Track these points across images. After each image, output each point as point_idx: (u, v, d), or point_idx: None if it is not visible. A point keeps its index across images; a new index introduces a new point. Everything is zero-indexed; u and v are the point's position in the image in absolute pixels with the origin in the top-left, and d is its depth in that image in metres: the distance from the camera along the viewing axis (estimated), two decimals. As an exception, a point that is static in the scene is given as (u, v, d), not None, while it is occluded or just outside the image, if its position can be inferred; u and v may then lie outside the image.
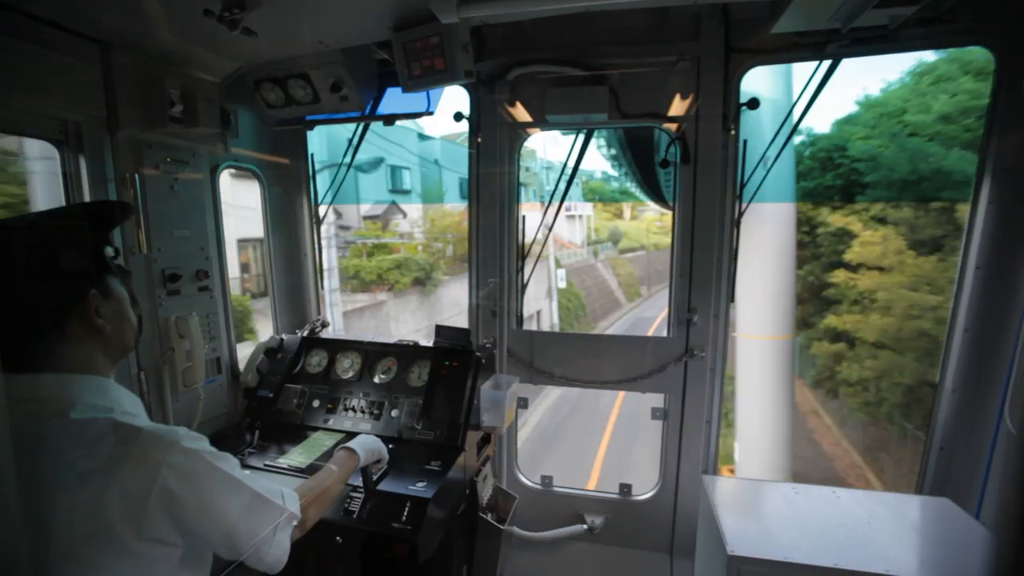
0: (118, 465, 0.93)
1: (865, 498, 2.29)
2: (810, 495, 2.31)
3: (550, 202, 2.76)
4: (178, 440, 0.99)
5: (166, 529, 0.96)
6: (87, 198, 1.88)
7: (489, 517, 2.47)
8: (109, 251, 1.12)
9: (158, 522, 0.94)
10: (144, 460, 0.95)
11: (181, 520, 0.98)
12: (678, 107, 2.50)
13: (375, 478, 1.92)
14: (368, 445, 1.83)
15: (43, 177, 1.96)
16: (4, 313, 0.96)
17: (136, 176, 2.02)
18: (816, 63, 2.27)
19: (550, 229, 2.85)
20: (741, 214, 2.48)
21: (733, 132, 2.45)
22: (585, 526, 2.86)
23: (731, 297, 2.58)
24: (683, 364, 2.64)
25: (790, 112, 2.45)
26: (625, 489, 2.86)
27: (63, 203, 1.88)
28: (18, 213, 1.22)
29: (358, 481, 1.91)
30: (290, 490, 1.27)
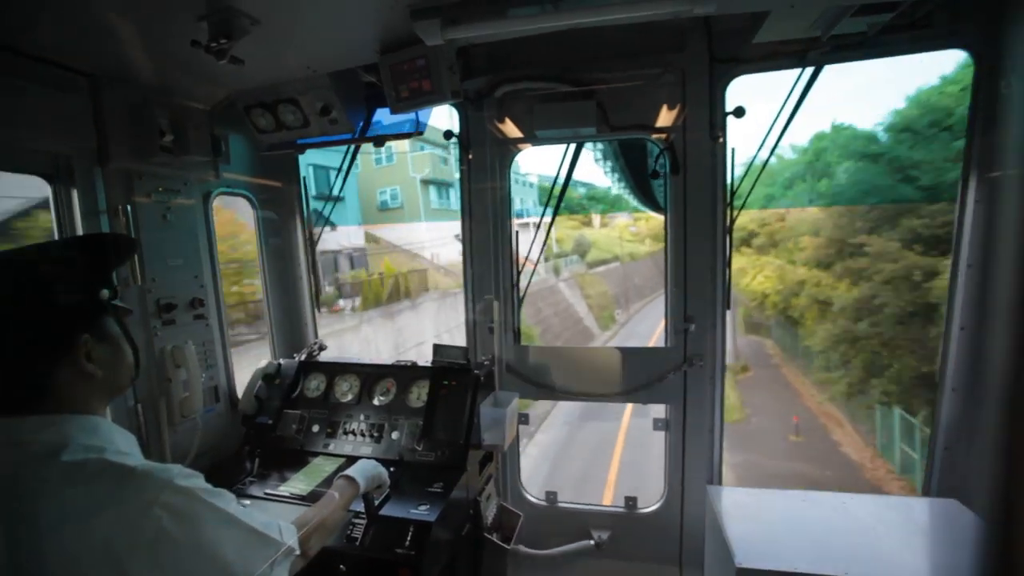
0: (110, 507, 0.91)
1: (872, 503, 2.27)
2: (816, 502, 2.30)
3: (543, 215, 2.77)
4: (171, 479, 0.97)
5: (158, 570, 0.93)
6: (79, 230, 1.88)
7: (494, 537, 2.43)
8: (105, 293, 1.09)
9: (149, 564, 0.92)
10: (137, 500, 0.93)
11: (175, 561, 0.96)
12: (666, 118, 2.52)
13: (376, 503, 1.89)
14: (368, 472, 1.80)
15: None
16: None
17: (128, 207, 2.01)
18: (799, 70, 2.31)
19: (544, 243, 2.85)
20: (733, 221, 2.49)
21: (721, 140, 2.47)
22: (592, 541, 2.82)
23: (727, 304, 2.58)
24: (683, 373, 2.63)
25: (775, 119, 2.47)
26: (631, 502, 2.83)
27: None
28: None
29: (360, 507, 1.88)
30: (288, 523, 1.25)
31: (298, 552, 1.23)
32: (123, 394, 1.23)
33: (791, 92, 2.35)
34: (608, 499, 9.63)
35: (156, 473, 0.97)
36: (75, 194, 1.88)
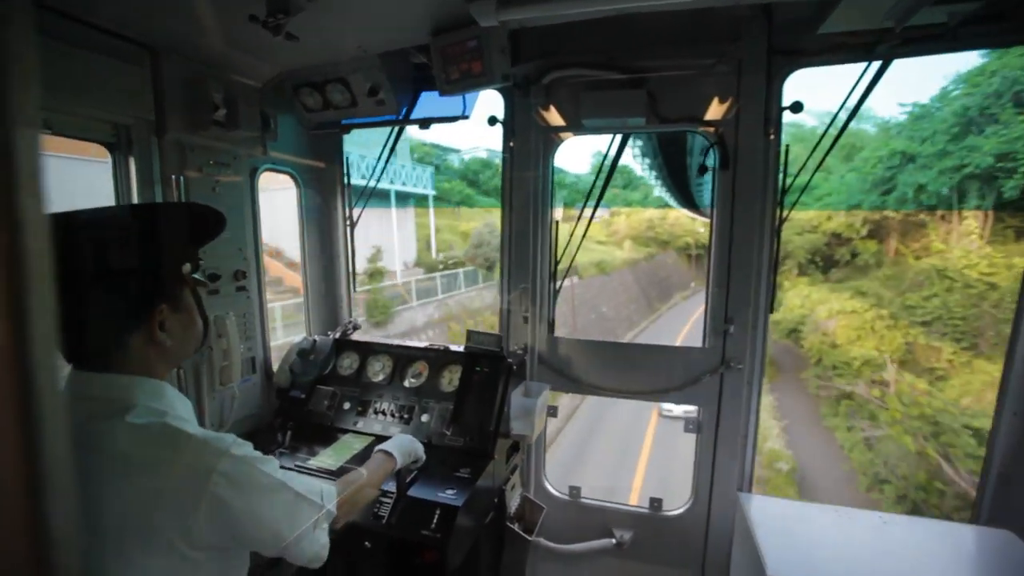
0: (171, 471, 0.96)
1: (915, 526, 2.16)
2: (854, 519, 2.19)
3: (584, 206, 2.72)
4: (228, 448, 1.02)
5: (214, 533, 0.99)
6: (135, 199, 1.94)
7: (516, 527, 2.43)
8: (188, 267, 1.13)
9: (207, 527, 0.97)
10: (196, 467, 0.97)
11: (229, 525, 1.01)
12: (717, 111, 2.43)
13: (408, 480, 1.91)
14: (405, 447, 1.83)
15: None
16: (70, 308, 0.98)
17: (181, 178, 2.07)
18: (864, 65, 2.18)
19: (583, 236, 2.80)
20: (782, 222, 2.39)
21: (774, 137, 2.37)
22: (614, 540, 2.78)
23: (771, 308, 2.48)
24: (719, 376, 2.55)
25: (835, 116, 2.35)
26: (656, 504, 2.77)
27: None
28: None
29: (387, 486, 1.90)
30: (329, 486, 1.31)
31: (335, 513, 1.28)
32: (188, 359, 1.28)
33: (854, 88, 2.23)
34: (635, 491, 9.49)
35: (213, 441, 1.01)
36: (132, 164, 1.95)
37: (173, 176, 2.05)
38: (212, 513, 0.97)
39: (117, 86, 1.82)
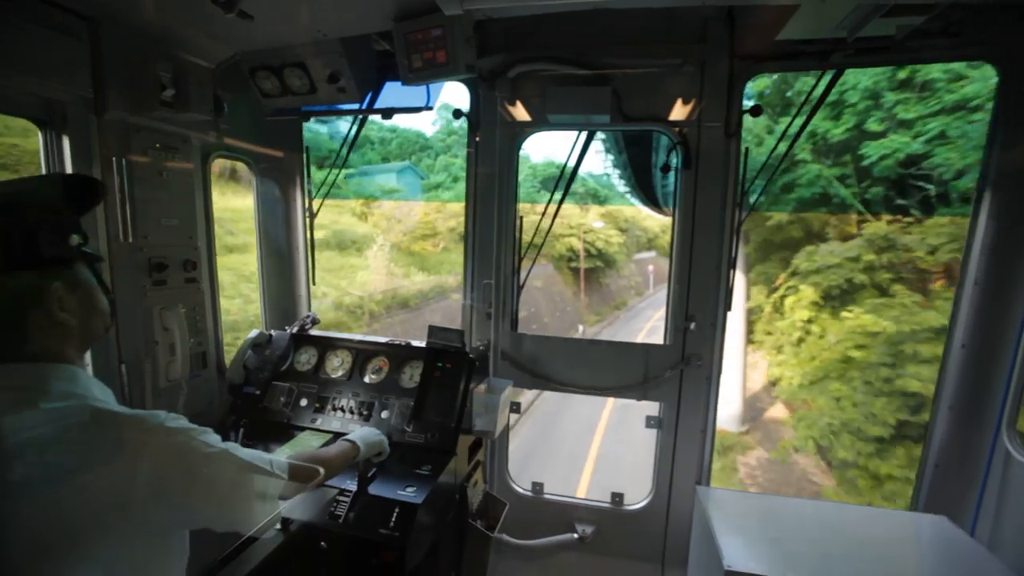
0: (103, 452, 0.91)
1: (860, 514, 2.27)
2: (804, 509, 2.28)
3: (548, 203, 2.72)
4: (162, 422, 0.98)
5: (155, 512, 0.95)
6: None
7: (479, 524, 2.41)
8: (76, 239, 1.05)
9: (148, 505, 0.93)
10: (129, 443, 0.93)
11: (172, 500, 0.98)
12: (681, 111, 2.47)
13: (371, 474, 1.88)
14: (369, 439, 1.82)
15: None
16: None
17: (123, 160, 1.94)
18: (819, 73, 2.27)
19: (547, 231, 2.80)
20: (741, 222, 2.46)
21: (735, 138, 2.43)
22: (576, 535, 2.80)
23: (728, 306, 2.55)
24: (679, 372, 2.60)
25: (791, 122, 2.43)
26: (617, 498, 2.81)
27: None
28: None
29: (344, 484, 1.84)
30: (279, 459, 1.28)
31: (286, 479, 1.25)
32: (97, 342, 1.20)
33: (808, 94, 2.31)
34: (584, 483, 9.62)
35: (145, 417, 0.97)
36: (67, 143, 1.81)
37: (114, 158, 1.92)
38: (151, 488, 0.93)
39: (50, 59, 1.69)
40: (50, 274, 0.98)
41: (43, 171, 1.80)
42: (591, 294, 24.65)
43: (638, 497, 2.81)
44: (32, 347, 0.96)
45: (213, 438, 1.07)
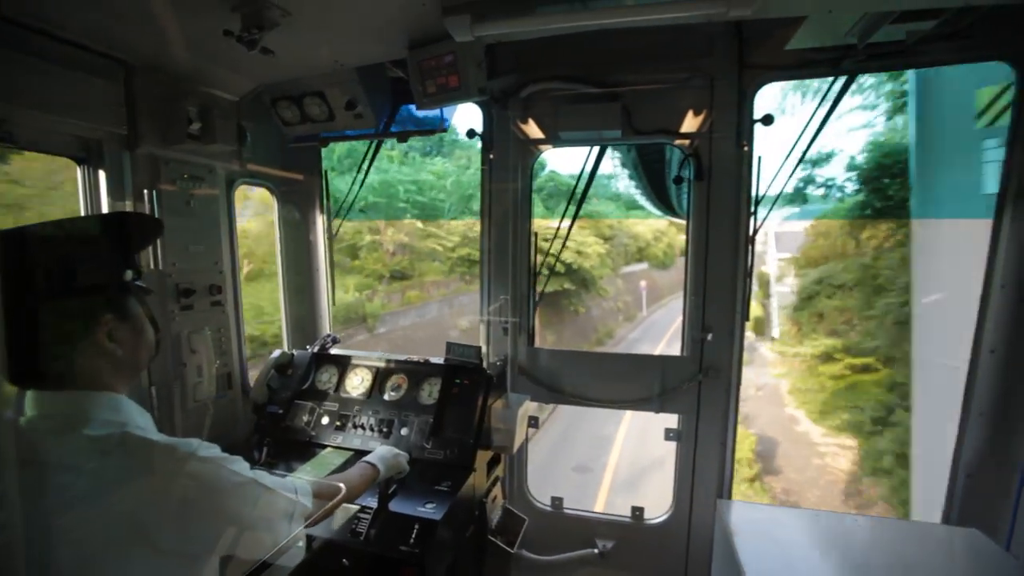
0: (137, 479, 0.95)
1: (888, 527, 2.20)
2: (831, 522, 2.23)
3: (563, 216, 2.75)
4: (195, 451, 1.01)
5: (185, 539, 0.99)
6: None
7: (498, 540, 2.41)
8: (129, 274, 1.11)
9: (176, 532, 0.97)
10: (163, 471, 0.97)
11: (200, 528, 1.01)
12: (691, 123, 2.48)
13: (391, 490, 1.90)
14: (389, 459, 1.85)
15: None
16: (16, 328, 0.94)
17: (154, 192, 2.04)
18: (831, 79, 2.26)
19: (562, 247, 2.83)
20: (756, 231, 2.44)
21: (747, 148, 2.43)
22: (596, 550, 2.77)
23: (746, 316, 2.53)
24: (697, 384, 2.58)
25: (804, 128, 2.42)
26: (637, 512, 2.78)
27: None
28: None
29: (366, 501, 1.87)
30: (303, 483, 1.31)
31: (310, 507, 1.28)
32: (142, 372, 1.26)
33: (822, 101, 2.31)
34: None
35: (179, 446, 1.01)
36: (103, 177, 1.92)
37: (145, 190, 2.02)
38: (181, 516, 0.96)
39: (88, 100, 1.80)
40: (103, 306, 1.04)
41: (81, 206, 1.91)
42: (561, 327, 18.31)
43: (658, 511, 2.77)
44: (80, 375, 1.01)
45: (242, 466, 1.10)
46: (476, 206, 2.84)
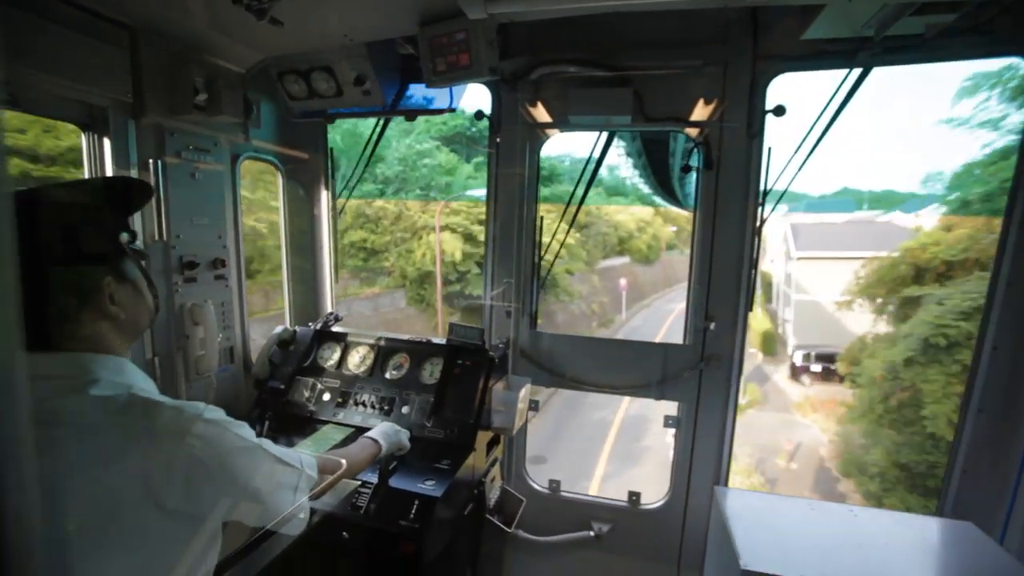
0: (144, 439, 0.95)
1: (883, 518, 2.23)
2: (826, 512, 2.25)
3: (568, 203, 2.74)
4: (201, 412, 1.02)
5: (189, 498, 0.99)
6: None
7: (495, 519, 2.44)
8: (125, 236, 1.12)
9: (182, 491, 0.97)
10: (170, 433, 0.97)
11: (206, 488, 1.01)
12: (702, 112, 2.46)
13: (392, 467, 1.92)
14: (391, 437, 1.85)
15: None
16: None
17: (158, 162, 2.02)
18: (846, 71, 2.24)
19: (568, 231, 2.82)
20: (763, 222, 2.44)
21: (757, 139, 2.41)
22: (592, 533, 2.81)
23: (750, 306, 2.53)
24: (698, 372, 2.59)
25: (816, 120, 2.40)
26: (634, 497, 2.81)
27: None
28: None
29: (367, 477, 1.89)
30: (308, 456, 1.31)
31: (316, 478, 1.29)
32: (141, 335, 1.26)
33: (835, 93, 2.28)
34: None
35: (185, 407, 1.01)
36: (108, 146, 1.90)
37: (150, 160, 2.00)
38: (188, 476, 0.97)
39: (93, 65, 1.77)
40: (102, 269, 1.04)
41: (85, 171, 1.89)
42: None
43: (655, 497, 2.81)
44: (84, 337, 1.01)
45: (248, 432, 1.11)
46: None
